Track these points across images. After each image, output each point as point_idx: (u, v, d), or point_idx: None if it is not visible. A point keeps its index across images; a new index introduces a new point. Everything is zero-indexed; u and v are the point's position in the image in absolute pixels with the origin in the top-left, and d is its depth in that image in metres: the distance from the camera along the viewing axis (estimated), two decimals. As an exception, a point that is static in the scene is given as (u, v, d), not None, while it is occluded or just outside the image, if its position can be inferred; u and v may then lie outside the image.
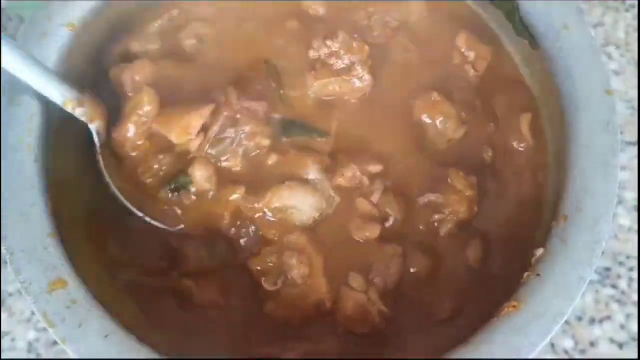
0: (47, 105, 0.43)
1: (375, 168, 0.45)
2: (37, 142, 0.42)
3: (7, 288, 0.57)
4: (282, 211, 0.44)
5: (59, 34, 0.45)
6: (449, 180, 0.45)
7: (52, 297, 0.37)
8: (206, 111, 0.43)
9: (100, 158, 0.44)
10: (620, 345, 0.55)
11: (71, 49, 0.46)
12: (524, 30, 0.48)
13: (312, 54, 0.48)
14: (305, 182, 0.44)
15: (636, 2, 0.69)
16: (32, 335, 0.56)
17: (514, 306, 0.37)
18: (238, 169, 0.45)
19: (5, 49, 0.39)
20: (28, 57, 0.40)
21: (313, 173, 0.45)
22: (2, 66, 0.40)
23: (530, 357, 0.36)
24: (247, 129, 0.44)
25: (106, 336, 0.36)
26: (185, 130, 0.43)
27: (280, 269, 0.42)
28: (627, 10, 0.70)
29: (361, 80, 0.48)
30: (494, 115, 0.48)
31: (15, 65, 0.40)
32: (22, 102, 0.42)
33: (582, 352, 0.55)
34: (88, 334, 0.36)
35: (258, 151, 0.45)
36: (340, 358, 0.40)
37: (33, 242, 0.39)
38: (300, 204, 0.44)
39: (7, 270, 0.58)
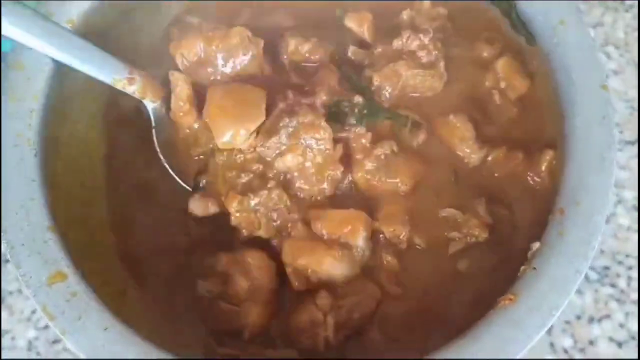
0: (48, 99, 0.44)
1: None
2: (37, 137, 0.42)
3: (7, 286, 0.58)
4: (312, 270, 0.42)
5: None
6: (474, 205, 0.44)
7: (51, 290, 0.37)
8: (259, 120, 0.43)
9: (153, 132, 0.45)
10: (620, 344, 0.55)
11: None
12: (521, 26, 0.48)
13: (396, 43, 0.47)
14: (348, 250, 0.42)
15: (636, 2, 0.69)
16: (31, 333, 0.56)
17: (510, 299, 0.37)
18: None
19: (46, 30, 0.40)
20: (74, 37, 0.42)
21: (360, 241, 0.43)
22: (43, 51, 0.41)
23: (525, 349, 0.36)
24: (305, 119, 0.43)
25: (105, 329, 0.36)
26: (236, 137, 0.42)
27: None
28: (627, 10, 0.70)
29: (441, 77, 0.48)
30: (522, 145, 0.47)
31: (58, 47, 0.41)
32: (22, 97, 0.43)
33: (582, 350, 0.55)
34: (87, 327, 0.36)
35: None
36: (341, 358, 0.40)
37: (33, 235, 0.39)
38: (334, 272, 0.42)
39: (7, 269, 0.58)
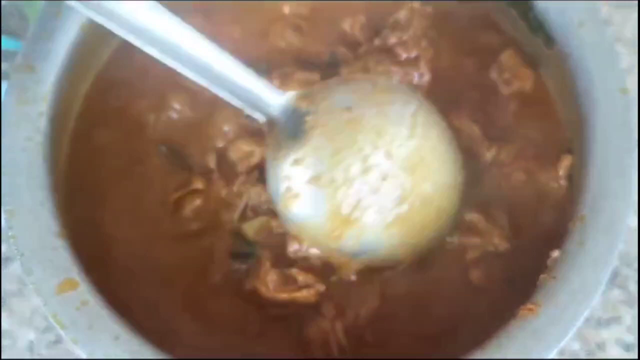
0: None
1: None
2: (47, 141, 0.42)
3: (8, 287, 0.57)
4: None
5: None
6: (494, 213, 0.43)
7: (62, 298, 0.37)
8: None
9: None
10: (628, 347, 0.55)
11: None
12: (539, 27, 0.47)
13: (377, 42, 0.47)
14: None
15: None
16: (32, 335, 0.55)
17: (531, 309, 0.37)
18: None
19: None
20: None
21: None
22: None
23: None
24: None
25: (116, 338, 0.36)
26: None
27: None
28: (635, 10, 0.68)
29: (421, 77, 0.46)
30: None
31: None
32: (32, 100, 0.42)
33: (589, 353, 0.54)
34: (99, 336, 0.36)
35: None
36: (342, 358, 0.40)
37: (42, 242, 0.38)
38: None
39: (8, 270, 0.58)
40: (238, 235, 0.43)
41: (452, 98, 0.47)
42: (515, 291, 0.39)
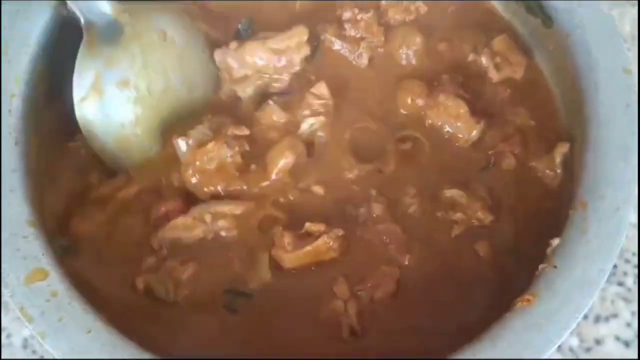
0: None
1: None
2: (18, 124, 0.40)
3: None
4: None
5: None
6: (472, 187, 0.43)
7: (30, 289, 0.35)
8: None
9: None
10: (627, 343, 0.54)
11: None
12: (538, 8, 0.46)
13: (338, 12, 0.48)
14: None
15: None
16: (27, 331, 0.55)
17: (528, 300, 0.35)
18: None
19: None
20: None
21: None
22: None
23: (545, 354, 0.33)
24: None
25: (88, 331, 0.34)
26: None
27: None
28: (633, 5, 0.68)
29: (358, 58, 0.47)
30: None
31: None
32: (3, 81, 0.40)
33: (588, 350, 0.54)
34: (69, 329, 0.34)
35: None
36: (342, 358, 0.38)
37: (12, 230, 0.36)
38: None
39: None
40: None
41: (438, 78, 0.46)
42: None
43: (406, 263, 0.41)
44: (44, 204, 0.39)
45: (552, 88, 0.46)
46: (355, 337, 0.39)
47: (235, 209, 0.41)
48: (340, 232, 0.40)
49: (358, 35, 0.47)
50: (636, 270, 0.57)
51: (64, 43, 0.44)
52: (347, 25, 0.47)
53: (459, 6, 0.50)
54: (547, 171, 0.43)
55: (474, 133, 0.44)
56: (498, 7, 0.50)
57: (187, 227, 0.41)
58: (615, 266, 0.54)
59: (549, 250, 0.37)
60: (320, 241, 0.40)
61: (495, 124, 0.45)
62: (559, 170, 0.43)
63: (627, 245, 0.58)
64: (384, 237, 0.42)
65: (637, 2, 0.68)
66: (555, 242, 0.37)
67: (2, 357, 0.54)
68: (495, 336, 0.34)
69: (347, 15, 0.47)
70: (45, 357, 0.54)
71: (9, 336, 0.55)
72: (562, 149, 0.42)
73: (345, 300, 0.39)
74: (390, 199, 0.43)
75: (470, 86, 0.46)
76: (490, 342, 0.34)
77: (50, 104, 0.43)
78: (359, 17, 0.47)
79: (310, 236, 0.40)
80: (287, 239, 0.40)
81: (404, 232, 0.42)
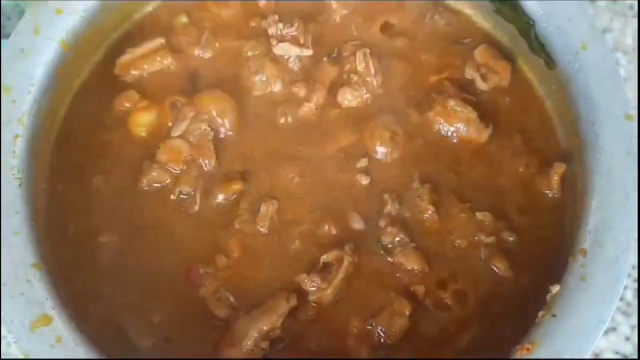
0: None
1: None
2: (22, 165, 0.40)
3: None
4: None
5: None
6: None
7: (35, 335, 0.35)
8: None
9: None
10: (625, 357, 0.55)
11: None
12: (540, 48, 0.46)
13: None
14: None
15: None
16: None
17: (528, 349, 0.35)
18: None
19: None
20: None
21: None
22: None
23: None
24: None
25: (92, 377, 0.34)
26: None
27: None
28: (635, 17, 0.69)
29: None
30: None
31: None
32: (7, 121, 0.40)
33: None
34: (73, 376, 0.34)
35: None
36: (342, 358, 0.39)
37: (15, 274, 0.36)
38: None
39: None
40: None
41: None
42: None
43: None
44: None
45: (555, 127, 0.46)
46: None
47: None
48: (352, 246, 0.42)
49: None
50: (636, 285, 0.57)
51: (68, 81, 0.45)
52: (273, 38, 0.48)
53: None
54: (546, 190, 0.44)
55: (485, 137, 0.46)
56: (475, 18, 0.50)
57: None
58: None
59: (548, 297, 0.37)
60: (346, 262, 0.41)
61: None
62: (557, 190, 0.43)
63: None
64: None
65: (637, 14, 0.69)
66: (555, 289, 0.37)
67: (6, 357, 0.54)
68: None
69: (272, 30, 0.48)
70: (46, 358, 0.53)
71: (8, 343, 0.54)
72: (560, 169, 0.43)
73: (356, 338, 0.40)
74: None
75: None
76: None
77: (56, 143, 0.43)
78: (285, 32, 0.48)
79: (330, 266, 0.41)
80: (316, 281, 0.41)
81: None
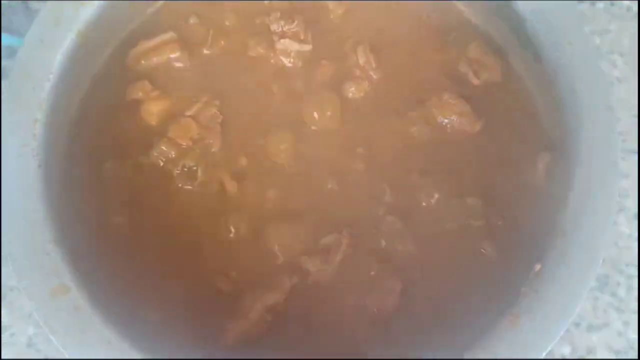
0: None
1: None
2: (41, 147, 0.42)
3: (8, 282, 0.58)
4: None
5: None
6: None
7: (54, 303, 0.38)
8: None
9: None
10: (618, 352, 0.56)
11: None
12: (529, 44, 0.48)
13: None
14: None
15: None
16: (31, 330, 0.56)
17: (511, 320, 0.38)
18: None
19: None
20: None
21: None
22: None
23: None
24: None
25: (109, 342, 0.37)
26: None
27: None
28: (632, 19, 0.69)
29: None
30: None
31: None
32: (27, 106, 0.43)
33: (580, 358, 0.55)
34: (90, 341, 0.37)
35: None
36: (342, 358, 0.41)
37: (35, 247, 0.39)
38: None
39: (9, 267, 0.55)
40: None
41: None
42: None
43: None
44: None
45: (542, 119, 0.49)
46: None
47: None
48: (349, 230, 0.44)
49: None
50: (629, 281, 0.58)
51: (83, 70, 0.47)
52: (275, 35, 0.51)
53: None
54: (531, 177, 0.46)
55: (477, 128, 0.48)
56: (469, 16, 0.53)
57: None
58: (608, 276, 0.57)
59: (531, 274, 0.40)
60: (344, 244, 0.44)
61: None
62: (541, 178, 0.46)
63: (620, 256, 0.59)
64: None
65: (637, 17, 0.69)
66: (537, 267, 0.40)
67: (8, 356, 0.55)
68: (478, 354, 0.37)
69: (274, 27, 0.51)
70: (50, 357, 0.55)
71: (12, 335, 0.55)
72: (545, 159, 0.46)
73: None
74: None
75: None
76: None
77: (72, 128, 0.46)
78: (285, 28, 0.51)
79: (328, 248, 0.44)
80: (316, 261, 0.43)
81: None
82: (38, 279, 0.38)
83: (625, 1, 0.70)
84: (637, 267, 0.58)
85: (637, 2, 0.70)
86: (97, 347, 0.37)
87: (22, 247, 0.39)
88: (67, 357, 0.36)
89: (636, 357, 0.55)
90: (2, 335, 0.56)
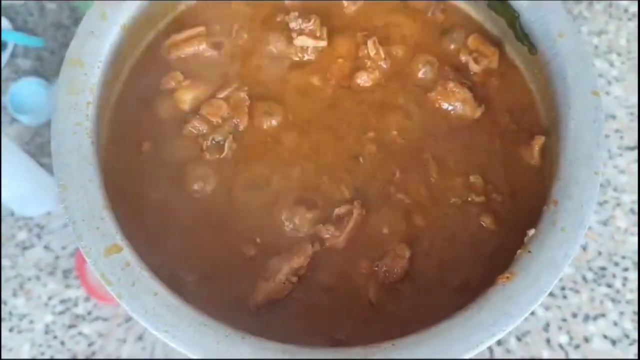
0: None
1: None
2: (93, 126, 0.47)
3: (25, 273, 0.60)
4: None
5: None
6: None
7: (108, 260, 0.42)
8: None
9: None
10: (613, 342, 0.58)
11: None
12: (524, 37, 0.53)
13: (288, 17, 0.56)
14: None
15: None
16: (49, 317, 0.59)
17: (507, 277, 0.42)
18: None
19: None
20: None
21: None
22: None
23: (518, 322, 0.41)
24: None
25: (155, 294, 0.41)
26: None
27: None
28: (630, 19, 0.73)
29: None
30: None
31: None
32: (81, 90, 0.48)
33: (577, 347, 0.58)
34: (140, 292, 0.41)
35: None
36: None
37: (91, 212, 0.44)
38: None
39: (25, 257, 0.61)
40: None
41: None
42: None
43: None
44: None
45: (537, 104, 0.54)
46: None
47: None
48: (360, 202, 0.49)
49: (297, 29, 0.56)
50: (624, 273, 0.60)
51: (124, 59, 0.53)
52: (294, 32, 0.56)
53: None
54: (528, 158, 0.51)
55: (477, 114, 0.53)
56: (470, 12, 0.59)
57: None
58: (604, 268, 0.60)
59: (525, 238, 0.45)
60: (355, 214, 0.48)
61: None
62: (537, 159, 0.51)
63: (616, 249, 0.61)
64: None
65: (637, 17, 0.72)
66: (531, 232, 0.45)
67: (26, 342, 0.57)
68: (479, 306, 0.41)
69: (293, 24, 0.56)
70: (65, 343, 0.57)
71: (31, 322, 0.58)
72: (539, 141, 0.50)
73: (366, 277, 0.47)
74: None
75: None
76: (477, 310, 0.41)
77: (113, 112, 0.52)
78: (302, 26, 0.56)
79: (342, 217, 0.48)
80: (330, 229, 0.48)
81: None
82: (94, 240, 0.43)
83: (623, 2, 0.73)
84: (632, 260, 0.61)
85: (637, 2, 0.72)
86: (146, 298, 0.41)
87: (80, 213, 0.43)
88: (123, 305, 0.41)
89: (636, 358, 0.57)
90: (21, 323, 0.58)
